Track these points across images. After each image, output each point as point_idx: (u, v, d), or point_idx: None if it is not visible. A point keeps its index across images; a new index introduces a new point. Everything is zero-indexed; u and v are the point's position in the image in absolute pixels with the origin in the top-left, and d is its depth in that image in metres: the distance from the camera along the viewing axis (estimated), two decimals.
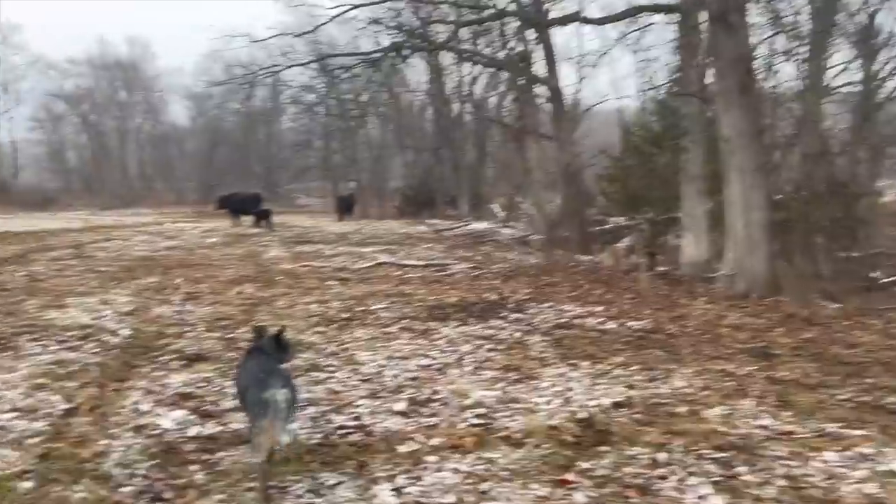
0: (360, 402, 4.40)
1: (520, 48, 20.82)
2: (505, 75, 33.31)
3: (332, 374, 5.10)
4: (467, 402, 4.38)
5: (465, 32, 27.20)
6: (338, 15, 14.45)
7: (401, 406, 4.28)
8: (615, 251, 12.90)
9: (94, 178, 56.35)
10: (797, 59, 22.96)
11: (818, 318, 7.90)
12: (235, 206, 23.73)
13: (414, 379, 4.95)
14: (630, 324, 7.26)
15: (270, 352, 3.57)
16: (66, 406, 4.16)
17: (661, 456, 3.55)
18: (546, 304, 8.23)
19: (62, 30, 76.85)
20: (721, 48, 9.93)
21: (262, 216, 22.83)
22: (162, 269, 11.10)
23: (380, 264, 12.29)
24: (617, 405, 4.33)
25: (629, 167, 17.80)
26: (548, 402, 4.34)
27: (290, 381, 3.31)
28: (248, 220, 23.12)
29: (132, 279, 9.87)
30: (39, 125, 55.17)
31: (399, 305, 8.15)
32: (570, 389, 4.68)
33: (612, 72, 57.55)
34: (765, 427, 4.05)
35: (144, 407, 4.21)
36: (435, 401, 4.43)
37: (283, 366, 3.53)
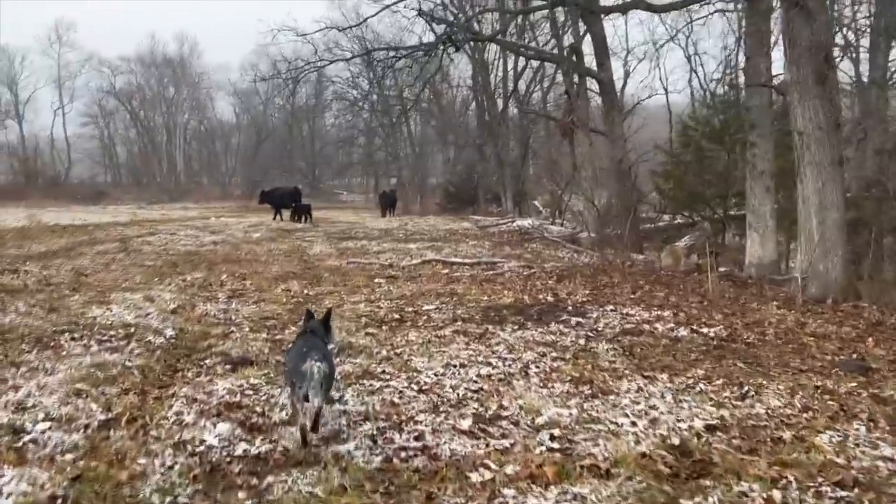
0: (420, 416, 3.99)
1: (570, 41, 20.26)
2: (550, 70, 32.85)
3: (387, 383, 4.69)
4: (539, 420, 3.93)
5: (511, 25, 26.71)
6: (386, 7, 14.10)
7: (466, 423, 3.85)
8: (675, 251, 12.24)
9: (143, 173, 57.57)
10: (853, 54, 21.85)
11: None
12: (276, 200, 23.88)
13: (477, 391, 4.51)
14: (703, 330, 6.70)
15: (319, 334, 4.08)
16: (105, 416, 3.83)
17: (776, 495, 3.04)
18: (608, 308, 7.72)
19: (115, 27, 78.74)
20: (797, 35, 9.22)
21: (302, 211, 22.80)
22: (207, 265, 10.90)
23: (427, 262, 11.89)
24: (710, 428, 3.83)
25: (686, 163, 17.06)
26: (632, 424, 3.85)
27: (327, 357, 3.67)
28: (288, 214, 23.18)
29: (177, 275, 9.66)
30: (92, 121, 56.58)
31: (451, 306, 7.73)
32: (653, 407, 4.18)
33: (654, 67, 56.05)
34: (888, 459, 3.51)
35: (188, 418, 3.87)
36: (503, 418, 3.98)
37: (330, 346, 4.07)
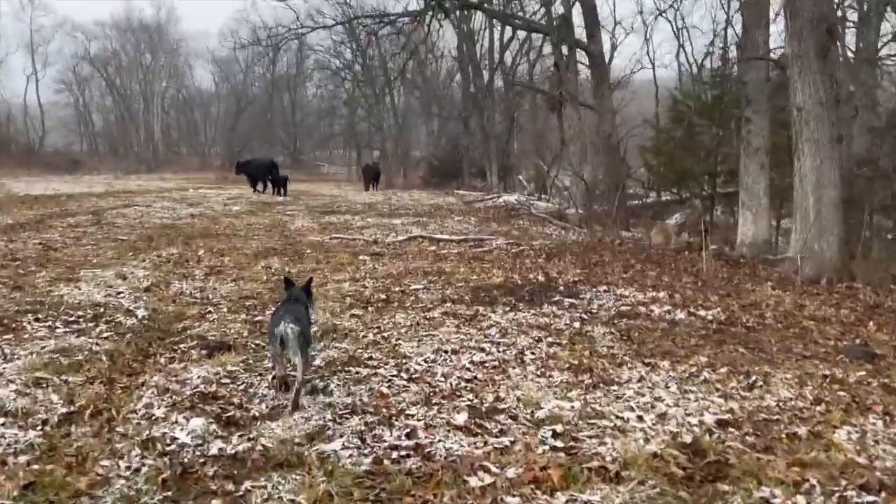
0: (411, 409, 3.70)
1: (559, 11, 19.77)
2: (537, 42, 32.29)
3: (374, 370, 4.40)
4: (539, 414, 3.66)
5: None
6: None
7: (461, 418, 3.57)
8: (665, 228, 12.02)
9: (120, 142, 56.18)
10: (842, 30, 21.56)
11: None
12: (252, 171, 23.39)
13: (471, 380, 4.23)
14: (700, 313, 6.49)
15: (301, 301, 4.31)
16: (66, 410, 3.50)
17: (801, 501, 2.81)
18: (601, 288, 7.47)
19: None
20: (799, 6, 8.93)
21: (279, 183, 22.36)
22: (184, 239, 10.48)
23: (413, 238, 11.57)
24: (722, 424, 3.59)
25: (676, 139, 16.80)
26: (639, 419, 3.60)
27: (300, 319, 3.92)
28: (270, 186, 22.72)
29: (152, 250, 9.25)
30: (66, 87, 54.95)
31: (439, 286, 7.43)
32: (658, 399, 3.93)
33: (645, 40, 55.50)
34: None
35: (158, 412, 3.55)
36: (501, 411, 3.71)
37: (310, 312, 4.42)
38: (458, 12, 25.36)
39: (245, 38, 48.95)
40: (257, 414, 3.63)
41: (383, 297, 6.79)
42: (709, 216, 15.73)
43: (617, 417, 3.61)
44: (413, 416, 3.60)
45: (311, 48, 49.27)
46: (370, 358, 4.69)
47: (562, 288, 7.47)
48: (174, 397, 3.78)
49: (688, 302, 6.97)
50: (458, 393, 4.01)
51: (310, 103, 56.63)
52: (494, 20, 28.62)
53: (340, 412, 3.63)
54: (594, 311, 6.42)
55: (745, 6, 11.17)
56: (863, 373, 4.72)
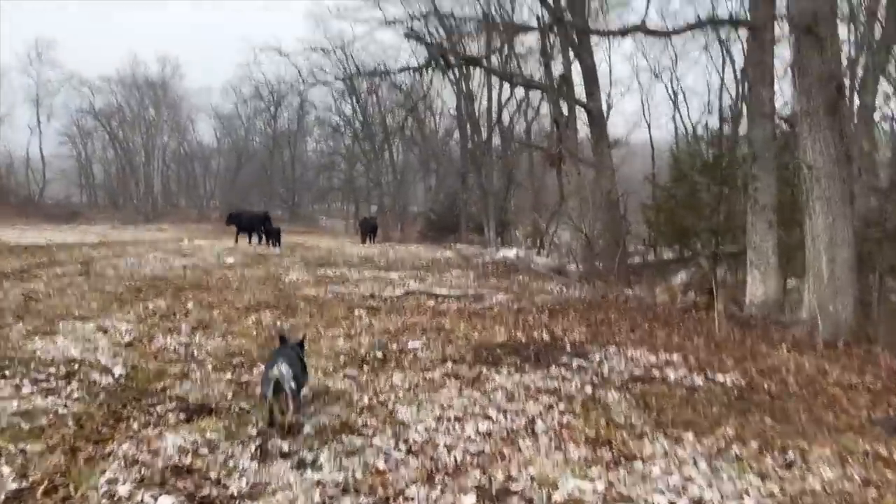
0: (411, 489, 3.27)
1: (558, 70, 19.91)
2: (535, 101, 32.63)
3: (369, 440, 3.97)
4: (557, 496, 3.23)
5: (498, 55, 26.40)
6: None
7: (469, 501, 3.14)
8: (671, 287, 11.67)
9: (120, 194, 56.24)
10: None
11: None
12: (243, 223, 23.23)
13: (477, 454, 3.80)
14: (719, 378, 6.08)
15: (295, 351, 4.54)
16: (17, 485, 3.06)
17: None
18: (610, 349, 7.07)
19: (97, 48, 77.85)
20: (807, 64, 8.82)
21: (271, 235, 22.15)
22: (173, 291, 10.08)
23: (411, 293, 11.19)
24: None
25: (677, 197, 16.62)
26: (668, 501, 3.17)
27: (295, 366, 4.16)
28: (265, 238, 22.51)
29: (139, 301, 8.85)
30: (69, 140, 55.31)
31: (439, 343, 7.03)
32: (689, 479, 3.50)
33: (644, 100, 56.31)
34: None
35: (122, 489, 3.11)
36: (513, 493, 3.28)
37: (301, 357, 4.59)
38: (457, 70, 25.65)
39: (247, 93, 49.78)
40: (236, 492, 3.19)
41: (380, 355, 6.38)
42: (714, 275, 15.41)
43: (646, 503, 3.17)
44: (413, 498, 3.17)
45: (312, 104, 49.98)
46: (365, 425, 4.27)
47: (568, 348, 7.07)
48: (143, 471, 3.35)
49: (703, 365, 6.56)
50: (463, 469, 3.58)
51: (309, 158, 57.04)
52: (493, 78, 28.94)
53: (331, 492, 3.19)
54: (605, 374, 6.01)
55: (750, 65, 11.12)
56: None
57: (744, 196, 11.65)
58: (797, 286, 9.76)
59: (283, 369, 4.01)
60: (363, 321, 8.29)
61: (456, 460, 3.69)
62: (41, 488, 3.06)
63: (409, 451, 3.83)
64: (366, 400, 4.86)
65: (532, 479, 3.44)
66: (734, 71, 29.34)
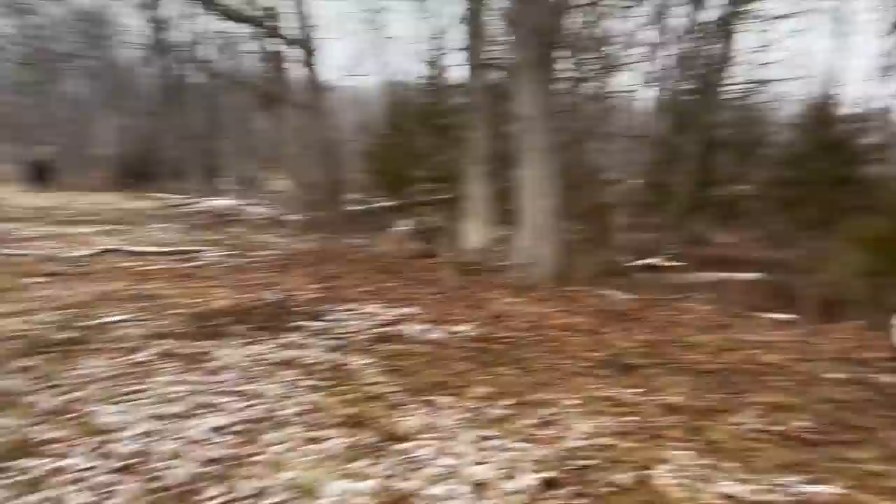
0: None
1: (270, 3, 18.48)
2: (247, 34, 30.31)
3: (59, 460, 2.96)
4: None
5: None
6: None
7: None
8: (395, 236, 11.65)
9: None
10: None
11: (628, 311, 7.42)
12: None
13: (211, 461, 3.04)
14: (456, 329, 6.01)
15: None
16: None
17: None
18: (346, 306, 6.63)
19: None
20: (520, 16, 9.14)
21: None
22: None
23: (106, 251, 9.47)
24: (549, 484, 2.98)
25: (392, 145, 16.75)
26: (450, 493, 2.81)
27: None
28: None
29: None
30: None
31: (147, 315, 5.89)
32: (461, 457, 3.19)
33: (349, 45, 56.10)
34: (729, 497, 3.02)
35: None
36: None
37: None
38: None
39: None
40: None
41: (67, 335, 5.09)
42: (435, 223, 15.93)
43: (427, 496, 2.77)
44: None
45: None
46: (51, 440, 3.21)
47: (302, 309, 6.46)
48: None
49: (440, 318, 6.47)
50: (195, 485, 2.81)
51: None
52: (195, 4, 26.04)
53: None
54: (347, 336, 5.54)
55: (466, 15, 11.28)
56: (632, 390, 4.57)
57: (460, 145, 12.00)
58: (511, 234, 10.33)
59: None
60: (43, 291, 6.67)
61: (186, 475, 2.90)
62: None
63: (118, 470, 2.92)
64: (50, 402, 3.73)
65: (289, 486, 2.82)
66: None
